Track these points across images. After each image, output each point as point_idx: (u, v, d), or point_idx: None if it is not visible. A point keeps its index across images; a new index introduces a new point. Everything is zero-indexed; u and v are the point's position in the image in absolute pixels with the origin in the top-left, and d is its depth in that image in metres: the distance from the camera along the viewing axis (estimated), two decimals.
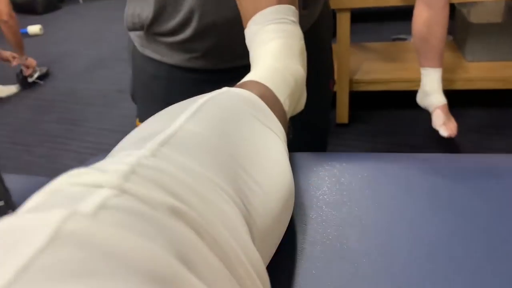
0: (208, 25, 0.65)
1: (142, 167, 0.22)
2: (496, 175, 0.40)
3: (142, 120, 0.84)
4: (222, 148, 0.29)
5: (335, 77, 0.93)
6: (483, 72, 1.85)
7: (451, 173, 0.41)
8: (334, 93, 1.90)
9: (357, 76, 1.92)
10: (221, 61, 0.70)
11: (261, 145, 0.33)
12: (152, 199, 0.21)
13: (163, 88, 0.75)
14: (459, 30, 2.08)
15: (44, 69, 2.99)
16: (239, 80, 0.50)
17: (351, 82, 1.90)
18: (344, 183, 0.42)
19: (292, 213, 0.40)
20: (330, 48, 0.89)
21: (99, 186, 0.20)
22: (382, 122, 2.03)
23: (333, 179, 0.43)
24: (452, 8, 1.73)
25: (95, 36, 3.74)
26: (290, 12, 0.57)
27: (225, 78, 0.64)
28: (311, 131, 0.86)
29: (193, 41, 0.68)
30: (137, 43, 0.76)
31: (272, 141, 0.36)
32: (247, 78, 0.50)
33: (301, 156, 0.48)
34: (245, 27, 0.60)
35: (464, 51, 1.97)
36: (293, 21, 0.58)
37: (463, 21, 2.00)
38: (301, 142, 0.84)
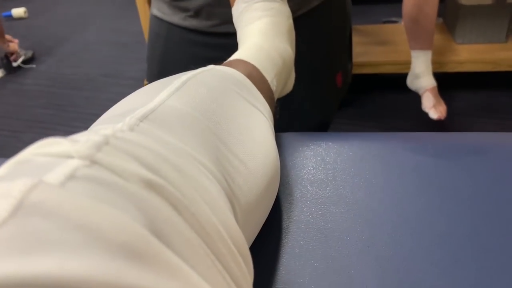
0: None
1: (117, 139, 0.22)
2: (481, 152, 0.40)
3: (149, 80, 0.86)
4: (204, 126, 0.28)
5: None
6: (473, 54, 1.85)
7: (436, 151, 0.41)
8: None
9: None
10: (214, 23, 0.70)
11: (246, 123, 0.33)
12: (125, 170, 0.20)
13: (162, 46, 0.76)
14: (449, 12, 2.07)
15: (29, 53, 2.93)
16: (233, 47, 0.49)
17: None
18: (330, 162, 0.42)
19: (278, 192, 0.39)
20: (345, 38, 0.83)
21: (68, 156, 0.19)
22: (373, 105, 2.03)
23: (318, 158, 0.42)
24: None
25: (81, 20, 3.67)
26: None
27: (220, 44, 0.64)
28: (311, 122, 0.80)
29: None
30: (151, 6, 0.78)
31: (257, 120, 0.35)
32: (234, 57, 0.49)
33: (287, 136, 0.47)
34: (232, 5, 0.59)
35: (454, 34, 1.96)
36: (280, 0, 0.57)
37: (453, 3, 1.98)
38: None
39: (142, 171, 0.20)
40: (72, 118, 2.26)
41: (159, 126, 0.25)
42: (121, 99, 0.31)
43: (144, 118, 0.25)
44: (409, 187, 0.38)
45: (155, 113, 0.26)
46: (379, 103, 2.03)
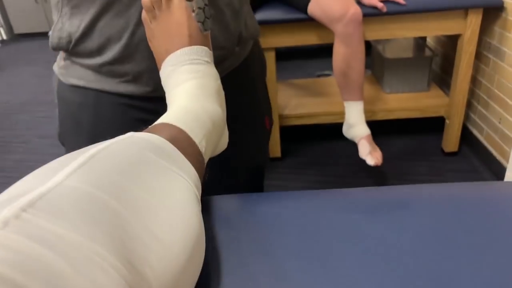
0: (139, 45, 0.62)
1: None
2: (408, 205, 0.42)
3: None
4: (106, 205, 0.26)
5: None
6: (401, 103, 1.99)
7: (365, 207, 0.42)
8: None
9: (286, 112, 1.97)
10: (152, 89, 0.66)
11: (162, 193, 0.31)
12: None
13: (91, 117, 0.69)
14: (376, 64, 2.23)
15: None
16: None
17: (281, 117, 1.95)
18: (262, 225, 0.41)
19: (206, 258, 0.37)
20: (265, 85, 0.90)
21: None
22: (313, 154, 2.09)
23: (251, 221, 0.41)
24: (369, 45, 1.86)
25: (15, 80, 3.54)
26: (203, 52, 0.57)
27: (157, 108, 0.59)
28: (248, 168, 0.84)
29: (121, 62, 0.64)
30: (61, 76, 0.71)
31: (177, 187, 0.34)
32: (160, 120, 0.48)
33: (220, 199, 0.46)
34: (159, 69, 0.59)
35: (382, 84, 2.10)
36: (207, 62, 0.58)
37: (379, 56, 2.15)
38: (238, 181, 0.83)
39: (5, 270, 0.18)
40: (2, 183, 2.12)
41: (47, 213, 0.23)
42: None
43: (29, 206, 0.23)
44: (338, 245, 0.38)
45: (45, 198, 0.24)
46: (320, 152, 2.10)
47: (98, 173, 0.28)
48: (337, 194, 0.45)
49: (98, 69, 0.66)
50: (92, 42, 0.63)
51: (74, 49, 0.65)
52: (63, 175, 0.26)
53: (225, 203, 0.45)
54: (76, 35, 0.63)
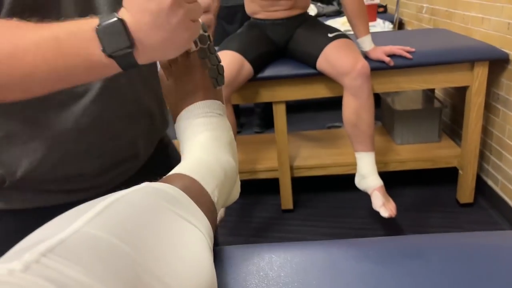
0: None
1: (4, 285, 0.20)
2: (419, 256, 0.41)
3: None
4: (122, 253, 0.27)
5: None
6: (412, 153, 1.99)
7: (378, 257, 0.41)
8: (276, 180, 1.94)
9: (297, 163, 1.98)
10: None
11: (177, 244, 0.32)
12: None
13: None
14: (386, 116, 2.26)
15: None
16: None
17: (292, 168, 1.96)
18: (273, 277, 0.41)
19: None
20: None
21: None
22: (325, 205, 2.07)
23: (261, 273, 0.41)
24: (378, 96, 1.90)
25: None
26: (216, 106, 0.60)
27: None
28: None
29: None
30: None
31: (190, 238, 0.34)
32: (174, 171, 0.50)
33: (229, 250, 0.46)
34: (174, 122, 0.61)
35: (393, 135, 2.12)
36: (220, 114, 0.60)
37: (389, 108, 2.18)
38: None
39: None
40: None
41: (65, 259, 0.23)
42: None
43: (49, 251, 0.24)
44: None
45: (64, 244, 0.25)
46: (332, 203, 2.08)
47: (114, 221, 0.29)
48: (349, 245, 0.44)
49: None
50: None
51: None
52: (82, 222, 0.27)
53: (236, 253, 0.45)
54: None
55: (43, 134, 0.54)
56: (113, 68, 0.43)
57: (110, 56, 0.42)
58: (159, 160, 0.72)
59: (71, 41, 0.41)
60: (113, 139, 0.61)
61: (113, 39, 0.41)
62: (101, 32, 0.41)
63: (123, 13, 0.42)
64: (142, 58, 0.44)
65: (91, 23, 0.42)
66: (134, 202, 0.33)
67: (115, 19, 0.41)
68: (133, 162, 0.66)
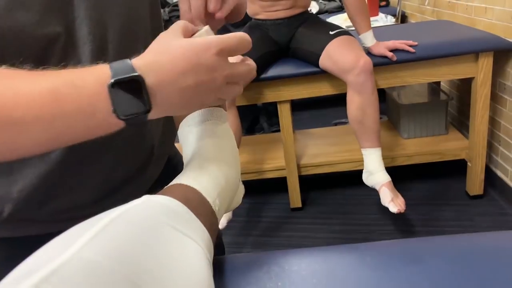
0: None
1: None
2: (419, 260, 0.41)
3: None
4: (120, 276, 0.27)
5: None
6: (420, 147, 1.97)
7: (377, 262, 0.42)
8: (284, 179, 1.94)
9: (305, 161, 1.99)
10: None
11: (175, 262, 0.32)
12: None
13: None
14: (392, 110, 2.25)
15: None
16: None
17: (299, 167, 1.96)
18: (273, 283, 0.41)
19: None
20: None
21: None
22: (334, 203, 2.07)
23: (260, 283, 0.42)
24: (382, 91, 1.89)
25: None
26: (218, 113, 0.60)
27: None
28: None
29: None
30: None
31: (188, 252, 0.35)
32: (175, 181, 0.50)
33: (230, 259, 0.47)
34: (177, 128, 0.62)
35: (399, 130, 2.11)
36: (222, 121, 0.61)
37: (394, 102, 2.17)
38: None
39: None
40: None
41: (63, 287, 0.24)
42: None
43: (43, 281, 0.24)
44: None
45: (58, 273, 0.25)
46: (341, 200, 2.07)
47: (112, 243, 0.29)
48: (347, 250, 0.45)
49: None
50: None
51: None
52: (78, 246, 0.27)
53: (235, 262, 0.46)
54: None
55: (25, 170, 0.48)
56: (119, 126, 0.37)
57: (120, 118, 0.35)
58: (167, 175, 0.63)
59: (73, 95, 0.34)
60: (110, 170, 0.55)
61: (128, 102, 0.34)
62: (113, 91, 0.34)
63: (141, 65, 0.35)
64: (154, 115, 0.38)
65: (99, 74, 0.35)
66: (133, 220, 0.33)
67: (134, 74, 0.34)
68: (138, 183, 0.61)
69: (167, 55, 0.36)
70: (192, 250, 0.36)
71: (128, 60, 0.36)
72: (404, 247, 0.45)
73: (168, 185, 0.48)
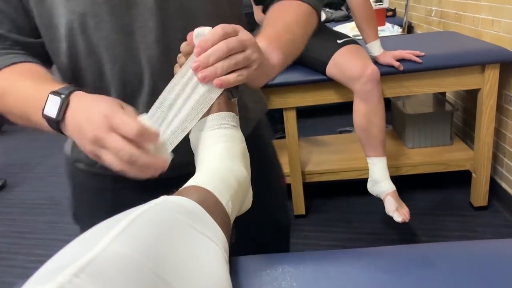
0: None
1: None
2: (430, 265, 0.42)
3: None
4: (146, 269, 0.28)
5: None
6: (425, 157, 1.98)
7: (388, 266, 0.42)
8: (288, 186, 1.94)
9: (309, 168, 1.99)
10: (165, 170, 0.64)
11: (193, 257, 0.33)
12: None
13: (109, 201, 0.71)
14: (397, 120, 2.25)
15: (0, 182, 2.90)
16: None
17: (304, 174, 1.96)
18: (287, 284, 0.42)
19: None
20: (273, 147, 0.94)
21: None
22: (338, 211, 2.07)
23: (275, 283, 0.42)
24: (388, 100, 1.89)
25: (50, 144, 3.70)
26: (230, 117, 0.61)
27: (171, 185, 0.58)
28: (273, 229, 0.87)
29: None
30: (75, 161, 0.73)
31: (207, 251, 0.36)
32: (189, 183, 0.51)
33: (244, 260, 0.47)
34: (189, 133, 0.63)
35: (404, 139, 2.11)
36: (234, 126, 0.61)
37: (399, 112, 2.17)
38: (265, 239, 0.84)
39: None
40: (31, 245, 2.16)
41: (96, 279, 0.25)
42: None
43: (80, 271, 0.25)
44: None
45: (94, 264, 0.26)
46: (345, 208, 2.07)
47: (138, 237, 0.31)
48: (360, 254, 0.45)
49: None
50: None
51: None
52: (109, 239, 0.29)
53: (250, 263, 0.47)
54: None
55: None
56: (47, 127, 0.54)
57: (43, 116, 0.52)
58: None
59: (34, 96, 0.54)
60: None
61: (51, 107, 0.52)
62: (49, 97, 0.52)
63: (78, 96, 0.53)
64: (66, 132, 0.53)
65: (55, 87, 0.53)
66: (153, 218, 0.35)
67: (65, 94, 0.51)
68: None
69: (90, 108, 0.51)
70: (211, 249, 0.36)
71: (75, 88, 0.54)
72: (416, 251, 0.46)
73: (183, 186, 0.49)
